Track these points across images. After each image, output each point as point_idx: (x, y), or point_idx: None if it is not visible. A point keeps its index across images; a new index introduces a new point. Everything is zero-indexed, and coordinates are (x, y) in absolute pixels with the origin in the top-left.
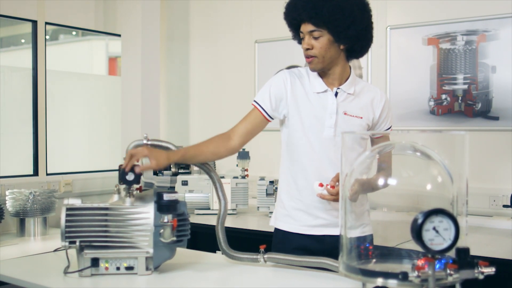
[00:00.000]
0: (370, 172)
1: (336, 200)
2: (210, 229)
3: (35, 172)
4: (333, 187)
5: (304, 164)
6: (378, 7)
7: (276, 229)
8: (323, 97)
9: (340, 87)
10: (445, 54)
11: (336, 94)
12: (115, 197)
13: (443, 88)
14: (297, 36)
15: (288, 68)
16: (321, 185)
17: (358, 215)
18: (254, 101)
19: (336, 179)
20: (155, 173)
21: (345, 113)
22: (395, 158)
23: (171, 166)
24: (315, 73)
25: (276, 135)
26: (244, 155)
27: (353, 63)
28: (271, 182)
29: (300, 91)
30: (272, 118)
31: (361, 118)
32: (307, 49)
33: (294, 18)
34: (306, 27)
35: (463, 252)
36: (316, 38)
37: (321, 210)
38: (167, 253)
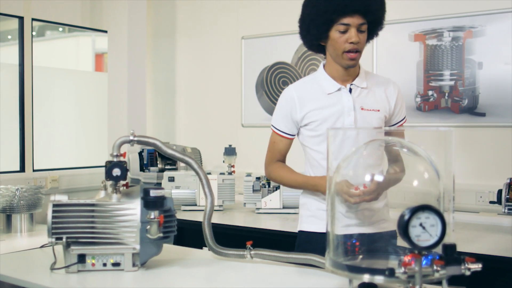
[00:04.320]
0: (357, 168)
1: (374, 198)
2: (197, 225)
3: (22, 168)
4: (365, 186)
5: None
6: None
7: (300, 232)
8: (337, 96)
9: (353, 82)
10: (431, 50)
11: (350, 90)
12: (102, 193)
13: (430, 84)
14: (324, 32)
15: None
16: (356, 188)
17: (375, 211)
18: (272, 125)
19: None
20: (142, 169)
21: (362, 108)
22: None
23: (158, 162)
24: (324, 75)
25: (262, 131)
26: (230, 151)
27: None
28: (258, 178)
29: (311, 97)
30: (295, 134)
31: (378, 111)
32: (357, 42)
33: (343, 9)
34: (356, 20)
35: (450, 248)
36: (362, 32)
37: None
38: (153, 249)
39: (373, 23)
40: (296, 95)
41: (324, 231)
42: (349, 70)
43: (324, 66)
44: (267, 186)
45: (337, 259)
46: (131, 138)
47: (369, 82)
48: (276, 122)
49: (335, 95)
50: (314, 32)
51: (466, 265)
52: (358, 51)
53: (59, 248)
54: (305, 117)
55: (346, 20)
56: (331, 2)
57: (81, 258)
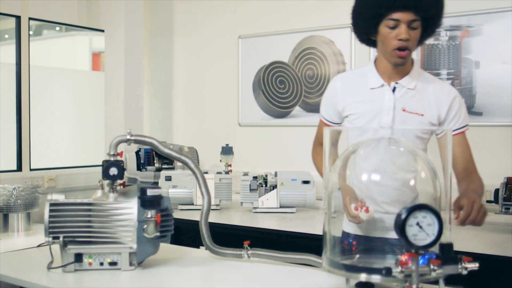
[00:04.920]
0: (352, 167)
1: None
2: (194, 224)
3: (19, 168)
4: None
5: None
6: None
7: (343, 232)
8: (379, 92)
9: (398, 81)
10: (428, 50)
11: (394, 89)
12: (99, 193)
13: None
14: (372, 27)
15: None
16: (362, 201)
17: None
18: (321, 115)
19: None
20: (139, 168)
21: (403, 110)
22: (378, 153)
23: (155, 161)
24: (373, 69)
25: (259, 130)
26: (227, 151)
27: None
28: (255, 178)
29: (355, 89)
30: (337, 123)
31: (422, 115)
32: (406, 39)
33: (391, 4)
34: (406, 16)
35: (447, 248)
36: (413, 29)
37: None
38: (150, 248)
39: (428, 20)
40: (340, 85)
41: (360, 233)
42: (398, 68)
43: (375, 59)
44: (264, 185)
45: (334, 258)
46: (128, 137)
47: (420, 84)
48: (321, 108)
49: (378, 91)
50: (362, 26)
51: (463, 264)
52: (408, 49)
53: (56, 247)
54: (345, 108)
55: (396, 15)
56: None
57: (78, 257)
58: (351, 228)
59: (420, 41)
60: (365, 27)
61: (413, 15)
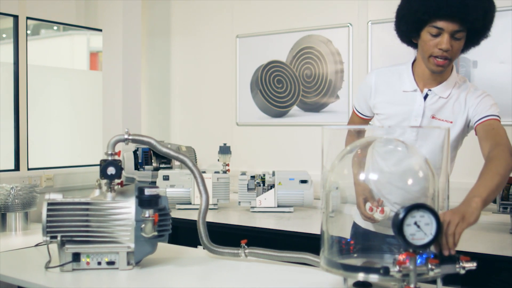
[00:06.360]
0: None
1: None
2: (192, 223)
3: (17, 167)
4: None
5: (381, 165)
6: (360, 2)
7: (354, 223)
8: (411, 96)
9: (432, 89)
10: None
11: (426, 96)
12: (97, 192)
13: None
14: (414, 31)
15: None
16: (379, 201)
17: None
18: (353, 105)
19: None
20: (136, 168)
21: (433, 117)
22: (377, 153)
23: (152, 161)
24: (409, 71)
25: (257, 129)
26: (225, 150)
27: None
28: (253, 177)
29: (388, 89)
30: (369, 116)
31: (451, 122)
32: (447, 50)
33: (435, 12)
34: (450, 26)
35: None
36: (457, 40)
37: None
38: (148, 248)
39: (473, 32)
40: (375, 81)
41: (377, 230)
42: (435, 75)
43: (414, 60)
44: (261, 184)
45: (331, 257)
46: (126, 136)
47: (454, 91)
48: (355, 99)
49: (410, 95)
50: (404, 29)
51: (461, 263)
52: (448, 59)
53: (53, 247)
54: (376, 106)
55: (440, 24)
56: (425, 2)
57: (76, 257)
58: (363, 222)
59: (463, 51)
60: (407, 30)
61: (458, 26)
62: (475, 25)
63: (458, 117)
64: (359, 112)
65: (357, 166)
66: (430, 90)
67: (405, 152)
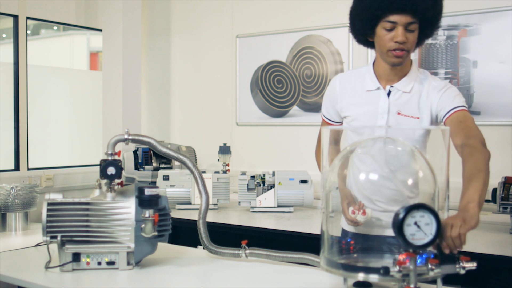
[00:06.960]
0: (350, 167)
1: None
2: (192, 223)
3: (17, 167)
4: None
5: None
6: None
7: (342, 230)
8: (375, 95)
9: (394, 85)
10: (426, 49)
11: (389, 92)
12: (97, 192)
13: None
14: (369, 28)
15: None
16: (360, 204)
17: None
18: (322, 113)
19: None
20: (136, 168)
21: (398, 113)
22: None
23: (152, 161)
24: (370, 71)
25: (257, 129)
26: (225, 150)
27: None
28: (252, 177)
29: (352, 91)
30: (338, 122)
31: (418, 118)
32: (403, 42)
33: (388, 6)
34: (403, 18)
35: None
36: (411, 31)
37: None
38: (148, 248)
39: (425, 22)
40: (339, 85)
41: (362, 232)
42: (395, 70)
43: (374, 61)
44: (261, 184)
45: (331, 257)
46: (126, 136)
47: (417, 85)
48: (323, 107)
49: (373, 94)
50: (359, 27)
51: (461, 263)
52: (405, 50)
53: (53, 247)
54: (343, 109)
55: (393, 18)
56: (375, 1)
57: (76, 257)
58: (351, 227)
59: (418, 43)
60: (362, 28)
61: (410, 17)
62: (426, 15)
63: (423, 112)
64: (327, 119)
65: (341, 169)
66: (392, 86)
67: (380, 148)
